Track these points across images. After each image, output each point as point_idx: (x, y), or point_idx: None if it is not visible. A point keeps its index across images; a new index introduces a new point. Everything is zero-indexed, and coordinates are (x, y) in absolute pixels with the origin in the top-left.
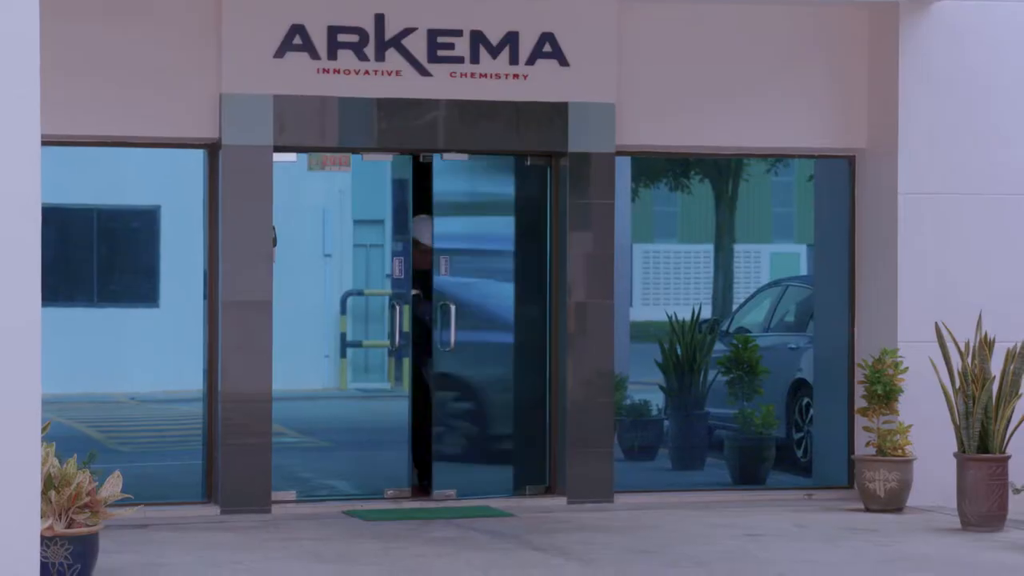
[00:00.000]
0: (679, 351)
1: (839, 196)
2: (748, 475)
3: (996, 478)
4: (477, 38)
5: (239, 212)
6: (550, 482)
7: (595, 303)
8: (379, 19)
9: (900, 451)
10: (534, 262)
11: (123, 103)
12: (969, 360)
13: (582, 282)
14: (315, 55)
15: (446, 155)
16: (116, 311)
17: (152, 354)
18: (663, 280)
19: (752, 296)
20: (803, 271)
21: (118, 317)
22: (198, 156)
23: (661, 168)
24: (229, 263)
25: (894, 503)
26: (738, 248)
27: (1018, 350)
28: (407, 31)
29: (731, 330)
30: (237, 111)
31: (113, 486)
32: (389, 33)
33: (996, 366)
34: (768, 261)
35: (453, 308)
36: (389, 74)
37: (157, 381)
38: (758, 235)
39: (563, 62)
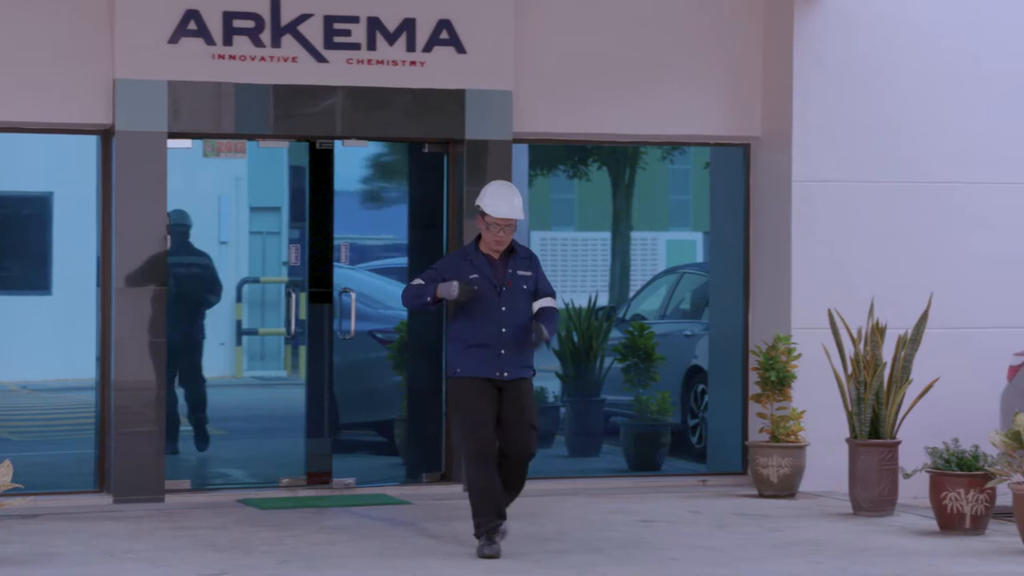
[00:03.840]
0: (575, 338)
1: (734, 184)
2: (643, 462)
3: (887, 463)
4: (374, 25)
5: (133, 199)
6: (446, 469)
7: None
8: (275, 5)
9: (793, 437)
10: (432, 249)
11: (14, 88)
12: (861, 347)
13: None
14: (210, 41)
15: (347, 142)
16: (7, 298)
17: (44, 342)
18: (560, 267)
19: (648, 283)
20: (699, 258)
21: (9, 304)
22: (91, 142)
23: (559, 155)
24: (122, 250)
25: (787, 489)
26: (635, 235)
27: (909, 336)
28: (303, 17)
29: (627, 317)
30: (131, 97)
31: (2, 475)
32: (285, 19)
33: (888, 352)
34: (665, 248)
35: (353, 296)
36: (285, 60)
37: (49, 369)
38: (655, 222)
39: (460, 49)
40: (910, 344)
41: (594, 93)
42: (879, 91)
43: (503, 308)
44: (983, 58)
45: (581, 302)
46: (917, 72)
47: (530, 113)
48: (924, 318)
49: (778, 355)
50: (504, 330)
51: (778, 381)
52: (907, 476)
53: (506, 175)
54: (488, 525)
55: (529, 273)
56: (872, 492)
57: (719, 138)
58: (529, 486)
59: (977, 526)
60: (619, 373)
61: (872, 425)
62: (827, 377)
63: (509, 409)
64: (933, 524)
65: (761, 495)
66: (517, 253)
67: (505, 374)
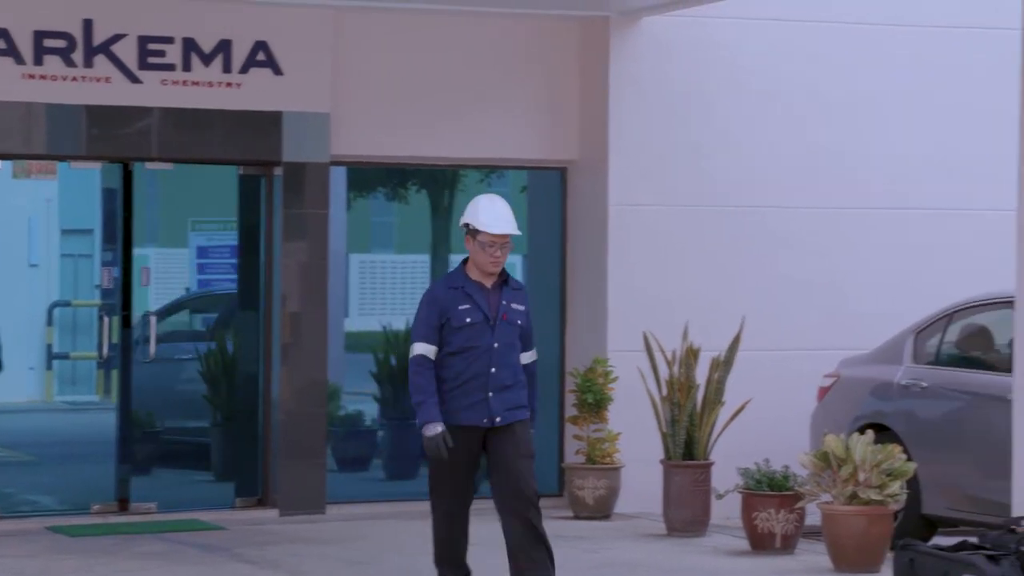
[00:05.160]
0: (393, 361)
1: (551, 207)
2: None
3: (700, 484)
4: (189, 45)
5: None
6: (262, 494)
7: (309, 313)
8: (87, 25)
9: (609, 459)
10: (249, 272)
11: None
12: (676, 369)
13: (296, 292)
14: (20, 60)
15: (149, 164)
16: None
17: None
18: (380, 290)
19: None
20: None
21: None
22: None
23: (378, 178)
24: None
25: (603, 510)
26: (454, 258)
27: (722, 359)
28: (117, 37)
29: None
30: None
31: None
32: (98, 39)
33: (702, 375)
34: None
35: (153, 319)
36: (99, 80)
37: None
38: None
39: (277, 71)
40: (723, 366)
41: (413, 116)
42: (693, 116)
43: (495, 344)
44: (792, 84)
45: (399, 325)
46: (729, 97)
47: (348, 136)
48: (736, 341)
49: (595, 377)
50: (494, 370)
51: (595, 403)
52: (719, 497)
53: (323, 198)
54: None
55: (523, 307)
56: (685, 513)
57: (536, 162)
58: (345, 510)
59: (787, 545)
60: None
61: (686, 446)
62: (643, 399)
63: (503, 452)
64: (745, 544)
65: (577, 517)
66: (510, 284)
67: (497, 419)
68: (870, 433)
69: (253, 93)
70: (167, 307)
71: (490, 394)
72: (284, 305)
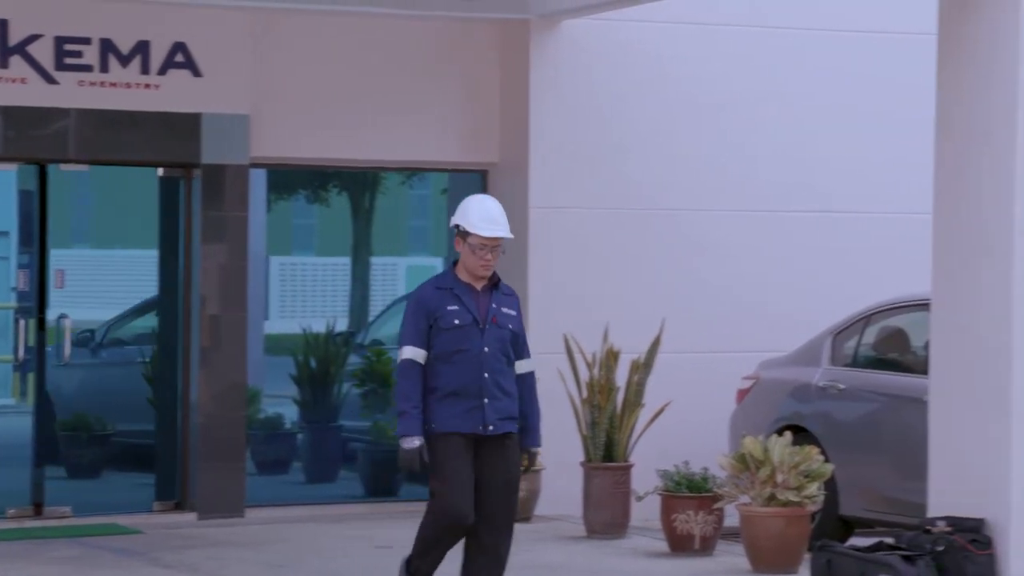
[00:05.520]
0: (313, 364)
1: None
2: (381, 487)
3: (620, 486)
4: (107, 46)
5: None
6: (181, 497)
7: (228, 316)
8: (2, 25)
9: None
10: (169, 275)
11: None
12: (596, 371)
13: (215, 295)
14: None
15: (64, 166)
16: None
17: None
18: (300, 293)
19: (387, 309)
20: None
21: None
22: None
23: (299, 180)
24: None
25: (523, 513)
26: (375, 260)
27: (642, 361)
28: (33, 38)
29: (366, 343)
30: None
31: None
32: (13, 40)
33: (622, 377)
34: (404, 273)
35: (68, 321)
36: (14, 81)
37: None
38: (395, 247)
39: (196, 72)
40: (643, 369)
41: (334, 118)
42: (614, 119)
43: (486, 349)
44: (712, 87)
45: (319, 327)
46: (650, 100)
47: (269, 137)
48: (656, 343)
49: None
50: (487, 375)
51: None
52: (639, 498)
53: (242, 200)
54: None
55: (514, 313)
56: (605, 515)
57: (457, 164)
58: (265, 513)
59: (706, 547)
60: (357, 399)
61: (606, 448)
62: (563, 401)
63: (490, 469)
64: (664, 546)
65: None
66: (500, 288)
67: (490, 428)
68: (788, 435)
69: (172, 94)
70: (132, 310)
71: (485, 400)
72: (203, 308)
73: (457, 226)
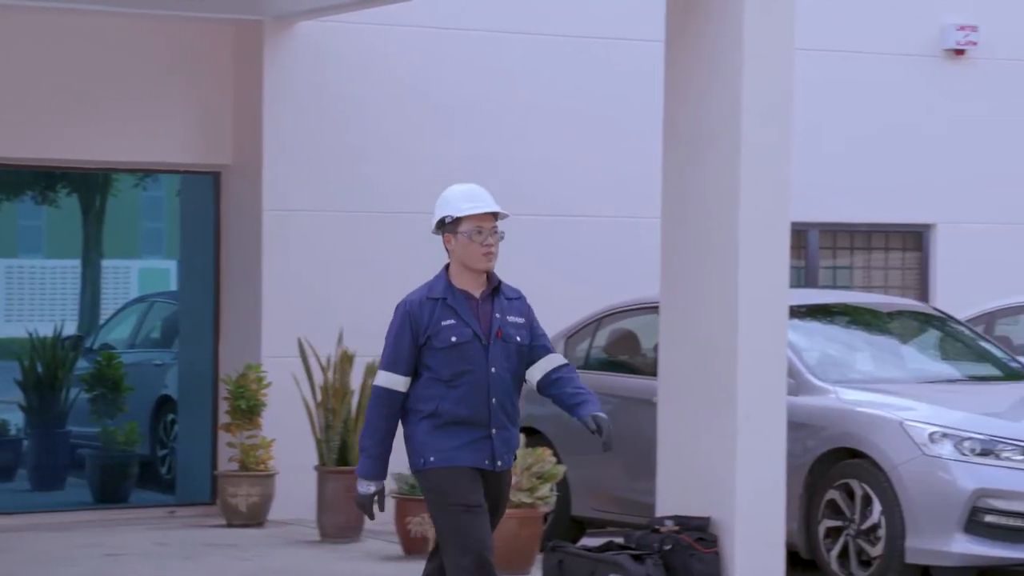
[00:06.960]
0: (39, 369)
1: (205, 212)
2: (111, 494)
3: (354, 490)
4: None
5: None
6: None
7: None
8: None
9: (263, 466)
10: None
11: None
12: (331, 375)
13: None
14: None
15: None
16: None
17: None
18: (28, 296)
19: (118, 312)
20: (173, 287)
21: None
22: None
23: (25, 180)
24: None
25: (256, 517)
26: (106, 263)
27: (377, 364)
28: None
29: (96, 346)
30: None
31: None
32: None
33: (357, 380)
34: (137, 276)
35: None
36: None
37: None
38: (127, 250)
39: None
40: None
41: (61, 116)
42: (351, 122)
43: (492, 370)
44: (451, 92)
45: (46, 331)
46: (388, 104)
47: None
48: None
49: (248, 383)
50: (494, 400)
51: (248, 410)
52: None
53: None
54: None
55: (522, 320)
56: (339, 519)
57: (189, 166)
58: None
59: None
60: (86, 404)
61: (340, 452)
62: (298, 405)
63: (489, 505)
64: (399, 549)
65: (230, 524)
66: (503, 292)
67: (498, 463)
68: (522, 436)
69: None
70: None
71: (493, 431)
72: None
73: (442, 220)
